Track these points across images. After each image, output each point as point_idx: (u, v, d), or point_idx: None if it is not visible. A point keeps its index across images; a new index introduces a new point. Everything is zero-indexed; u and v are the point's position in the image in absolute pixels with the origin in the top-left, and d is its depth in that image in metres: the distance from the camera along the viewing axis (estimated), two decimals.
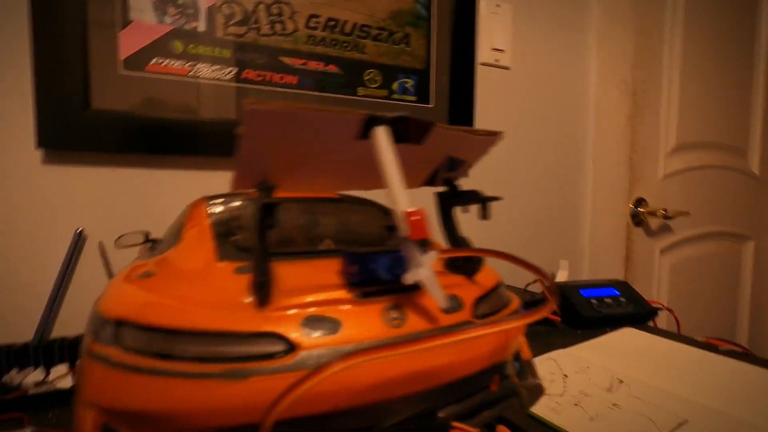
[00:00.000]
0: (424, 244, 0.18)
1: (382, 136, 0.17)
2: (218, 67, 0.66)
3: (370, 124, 0.17)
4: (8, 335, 0.56)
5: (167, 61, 0.63)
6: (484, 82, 0.90)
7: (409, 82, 0.81)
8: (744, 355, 0.64)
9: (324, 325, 0.17)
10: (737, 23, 1.31)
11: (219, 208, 0.27)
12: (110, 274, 0.63)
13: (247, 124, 0.15)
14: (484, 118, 0.89)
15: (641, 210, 1.13)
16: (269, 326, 0.17)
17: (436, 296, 0.18)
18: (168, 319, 0.17)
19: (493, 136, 0.20)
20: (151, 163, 0.65)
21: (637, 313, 0.78)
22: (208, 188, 0.69)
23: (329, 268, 0.21)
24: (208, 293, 0.19)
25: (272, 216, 0.16)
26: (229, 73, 0.67)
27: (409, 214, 0.16)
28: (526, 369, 0.25)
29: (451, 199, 0.22)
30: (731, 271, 1.38)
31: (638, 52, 1.08)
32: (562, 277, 0.92)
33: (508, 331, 0.22)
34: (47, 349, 0.57)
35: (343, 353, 0.17)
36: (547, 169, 1.00)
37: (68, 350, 0.58)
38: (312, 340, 0.17)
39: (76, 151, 0.61)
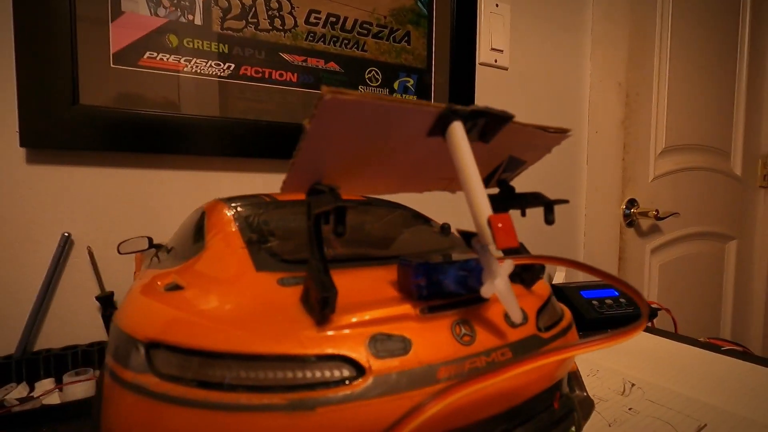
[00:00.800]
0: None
1: (459, 132, 0.15)
2: (215, 62, 0.63)
3: (446, 119, 0.15)
4: None
5: (161, 55, 0.60)
6: (482, 81, 0.89)
7: (410, 81, 0.79)
8: (745, 354, 0.65)
9: (393, 345, 0.15)
10: (722, 30, 1.34)
11: (242, 212, 0.25)
12: (100, 282, 0.59)
13: (319, 116, 0.13)
14: None
15: (633, 211, 1.15)
16: (334, 348, 0.15)
17: (511, 310, 0.16)
18: (214, 341, 0.15)
19: (561, 134, 0.19)
20: (143, 162, 0.62)
21: (637, 313, 0.78)
22: (204, 189, 0.65)
23: (380, 278, 0.19)
24: (254, 310, 0.16)
25: (343, 221, 0.14)
26: (226, 69, 0.64)
27: (495, 219, 0.14)
28: (573, 382, 0.24)
29: (507, 202, 0.21)
30: (716, 270, 1.41)
31: (632, 54, 1.10)
32: (559, 278, 0.92)
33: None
34: (31, 363, 0.53)
35: (416, 376, 0.15)
36: (542, 170, 0.99)
37: (54, 363, 0.54)
38: (382, 363, 0.15)
39: (63, 149, 0.57)
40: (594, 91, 1.06)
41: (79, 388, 0.49)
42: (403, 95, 0.79)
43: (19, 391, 0.52)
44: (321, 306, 0.15)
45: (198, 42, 0.62)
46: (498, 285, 0.15)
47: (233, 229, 0.23)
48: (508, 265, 0.16)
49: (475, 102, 0.87)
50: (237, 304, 0.17)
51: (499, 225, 0.14)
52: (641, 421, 0.44)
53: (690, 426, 0.43)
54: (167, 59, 0.61)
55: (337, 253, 0.22)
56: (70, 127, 0.56)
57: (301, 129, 0.14)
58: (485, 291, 0.16)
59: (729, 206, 1.41)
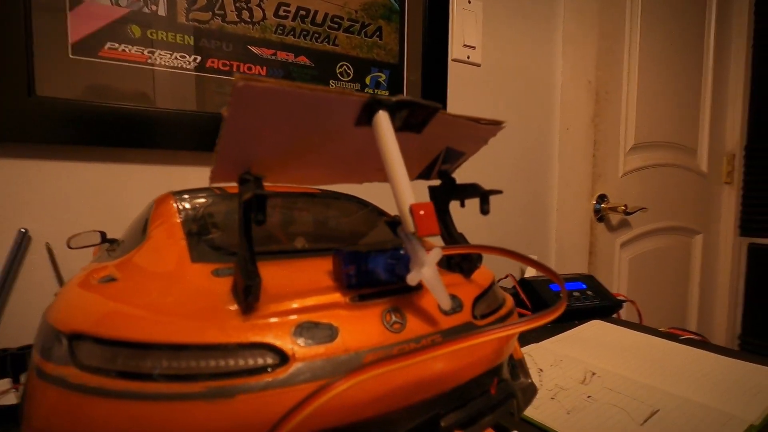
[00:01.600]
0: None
1: (384, 122, 0.15)
2: (180, 54, 0.62)
3: (371, 108, 0.15)
4: None
5: (123, 46, 0.59)
6: (455, 78, 0.90)
7: (382, 77, 0.79)
8: (702, 343, 0.68)
9: (319, 333, 0.15)
10: (689, 31, 1.38)
11: (188, 204, 0.25)
12: (60, 279, 0.58)
13: (235, 104, 0.13)
14: None
15: (603, 206, 1.17)
16: (257, 336, 0.15)
17: (439, 298, 0.16)
18: (137, 331, 0.14)
19: (495, 126, 0.19)
20: (104, 156, 0.60)
21: (603, 305, 0.81)
22: (166, 184, 0.64)
23: (317, 269, 0.19)
24: (183, 300, 0.16)
25: (263, 210, 0.14)
26: (192, 61, 0.63)
27: (416, 207, 0.15)
28: (518, 369, 0.24)
29: (447, 194, 0.21)
30: (682, 263, 1.46)
31: (601, 54, 1.12)
32: (530, 272, 0.94)
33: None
34: None
35: (341, 364, 0.15)
36: (515, 166, 1.01)
37: (11, 363, 0.53)
38: (307, 350, 0.15)
39: (18, 142, 0.55)
40: (565, 89, 1.08)
41: None
42: (375, 91, 0.79)
43: None
44: (245, 294, 0.15)
45: (162, 33, 0.61)
46: (425, 273, 0.16)
47: (176, 221, 0.23)
48: (435, 254, 0.16)
49: (448, 98, 0.88)
50: (166, 295, 0.17)
51: (421, 212, 0.15)
52: (598, 408, 0.46)
53: (643, 412, 0.45)
54: (130, 50, 0.59)
55: (281, 245, 0.22)
56: (27, 119, 0.54)
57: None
58: (411, 278, 0.16)
59: (695, 202, 1.46)
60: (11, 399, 0.48)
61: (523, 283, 0.80)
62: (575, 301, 0.79)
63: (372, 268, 0.17)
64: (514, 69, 0.99)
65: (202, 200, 0.26)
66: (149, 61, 0.60)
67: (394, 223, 0.18)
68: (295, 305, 0.16)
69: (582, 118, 1.10)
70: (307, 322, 0.15)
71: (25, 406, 0.16)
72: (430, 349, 0.14)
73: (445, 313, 0.18)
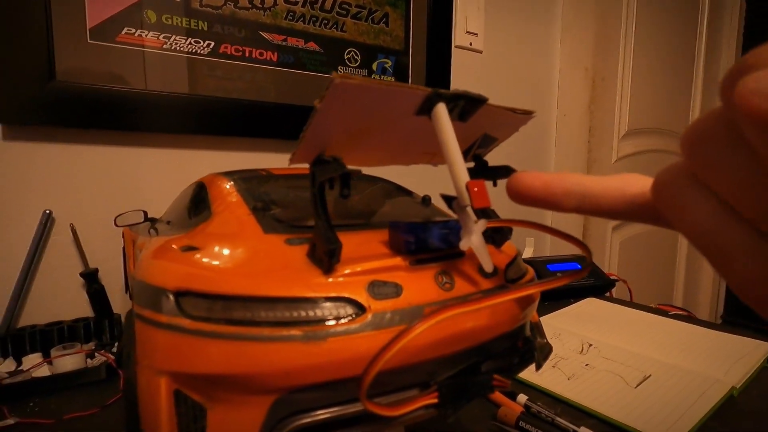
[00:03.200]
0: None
1: (442, 112, 0.18)
2: (195, 40, 0.63)
3: (432, 100, 0.18)
4: None
5: (140, 31, 0.60)
6: (458, 64, 0.92)
7: (388, 63, 0.81)
8: (688, 318, 0.73)
9: (387, 290, 0.18)
10: (683, 21, 1.41)
11: (243, 184, 0.27)
12: (83, 258, 0.60)
13: (329, 96, 0.15)
14: None
15: None
16: (338, 291, 0.18)
17: (484, 261, 0.19)
18: (240, 287, 0.17)
19: (527, 115, 0.22)
20: (122, 140, 0.62)
21: (597, 284, 0.85)
22: (182, 167, 0.66)
23: (374, 239, 0.22)
24: (268, 263, 0.19)
25: (348, 185, 0.17)
26: (206, 46, 0.64)
27: (472, 184, 0.18)
28: (535, 331, 0.28)
29: (480, 174, 0.24)
30: (670, 245, 1.52)
31: (599, 40, 1.15)
32: (528, 253, 0.98)
33: (534, 294, 0.24)
34: (17, 339, 0.54)
35: (406, 314, 0.18)
36: (513, 151, 1.04)
37: (40, 339, 0.55)
38: (379, 303, 0.18)
39: (40, 125, 0.56)
40: (563, 76, 1.11)
41: (68, 360, 0.51)
42: (381, 76, 0.81)
43: (7, 365, 0.53)
44: (328, 257, 0.17)
45: (177, 19, 0.62)
46: (473, 240, 0.19)
47: (236, 199, 0.25)
48: (481, 224, 0.19)
49: (451, 84, 0.90)
50: (251, 258, 0.19)
51: (475, 189, 0.18)
52: (595, 375, 0.50)
53: (636, 377, 0.49)
54: (146, 36, 0.60)
55: (340, 220, 0.25)
56: (47, 104, 0.55)
57: (295, 108, 0.16)
58: (463, 244, 0.19)
59: None
60: (44, 371, 0.51)
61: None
62: (571, 282, 0.84)
63: (427, 237, 0.20)
64: (514, 56, 1.02)
65: (253, 181, 0.28)
66: (165, 46, 0.62)
67: (449, 198, 0.21)
68: (366, 267, 0.19)
69: (579, 105, 1.13)
70: (376, 280, 0.18)
71: (138, 350, 0.19)
72: (483, 300, 0.17)
73: (485, 276, 0.22)
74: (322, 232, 0.18)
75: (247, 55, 0.68)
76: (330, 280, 0.18)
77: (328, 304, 0.17)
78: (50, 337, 0.57)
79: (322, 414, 0.17)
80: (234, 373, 0.17)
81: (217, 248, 0.20)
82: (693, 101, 1.50)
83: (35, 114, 0.55)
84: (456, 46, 0.91)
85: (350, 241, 0.21)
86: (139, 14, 0.60)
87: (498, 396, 0.44)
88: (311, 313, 0.17)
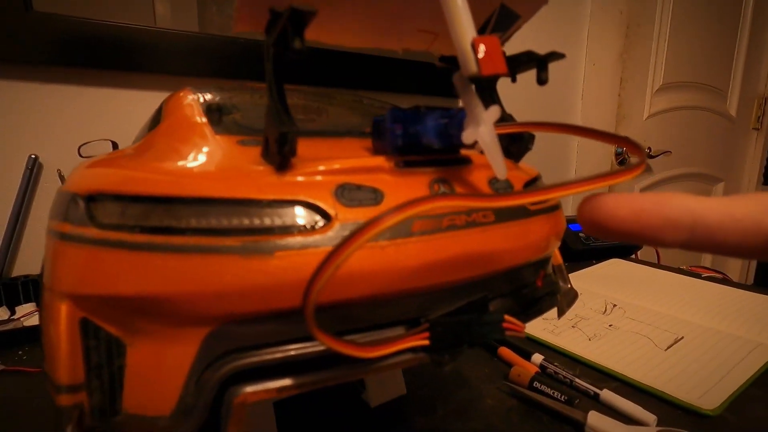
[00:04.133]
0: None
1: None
2: None
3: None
4: None
5: None
6: None
7: None
8: (723, 281, 0.66)
9: (362, 195, 0.14)
10: None
11: (207, 94, 0.22)
12: None
13: None
14: None
15: (625, 149, 1.13)
16: (295, 194, 0.13)
17: (495, 163, 0.14)
18: (164, 188, 0.13)
19: None
20: (112, 80, 0.57)
21: (621, 245, 0.79)
22: None
23: (356, 145, 0.17)
24: (209, 163, 0.15)
25: (300, 32, 0.12)
26: None
27: (479, 41, 0.12)
28: (558, 275, 0.23)
29: None
30: None
31: (630, 31, 1.03)
32: None
33: (559, 220, 0.19)
34: (10, 288, 0.52)
35: (391, 228, 0.13)
36: (535, 101, 0.96)
37: (33, 288, 0.54)
38: (350, 212, 0.13)
39: (20, 63, 0.52)
40: (594, 20, 1.00)
41: None
42: None
43: (1, 313, 0.51)
44: (279, 145, 0.13)
45: None
46: (482, 132, 0.14)
47: (189, 107, 0.20)
48: (494, 111, 0.14)
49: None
50: (190, 158, 0.15)
51: (483, 46, 0.12)
52: (620, 336, 0.46)
53: (666, 339, 0.44)
54: None
55: (305, 127, 0.20)
56: (26, 37, 0.51)
57: None
58: (467, 136, 0.14)
59: (719, 147, 1.40)
60: (36, 320, 0.49)
61: None
62: (594, 241, 0.78)
63: (420, 130, 0.15)
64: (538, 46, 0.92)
65: (219, 92, 0.24)
66: None
67: (451, 63, 0.16)
68: (335, 166, 0.14)
69: (610, 54, 1.03)
70: (348, 183, 0.14)
71: (44, 267, 0.15)
72: (494, 200, 0.12)
73: (497, 189, 0.17)
74: (273, 113, 0.13)
75: None
76: (284, 180, 0.13)
77: (279, 210, 0.13)
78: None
79: (271, 353, 0.13)
80: (149, 294, 0.12)
81: (151, 151, 0.16)
82: (737, 55, 1.36)
83: (13, 50, 0.51)
84: None
85: (324, 145, 0.16)
86: None
87: (509, 354, 0.40)
88: (255, 221, 0.13)
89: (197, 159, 0.15)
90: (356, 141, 0.17)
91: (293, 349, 0.13)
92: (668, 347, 0.43)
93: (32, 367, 0.41)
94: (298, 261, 0.12)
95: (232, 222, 0.13)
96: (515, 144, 0.19)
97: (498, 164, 0.15)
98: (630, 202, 0.12)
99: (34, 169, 0.54)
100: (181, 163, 0.15)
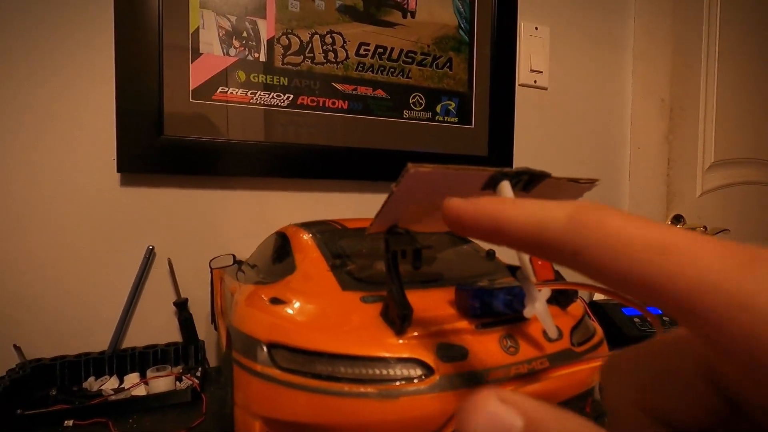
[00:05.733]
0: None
1: (506, 188, 0.20)
2: (276, 94, 0.71)
3: (496, 178, 0.20)
4: (85, 345, 0.61)
5: (231, 89, 0.68)
6: (522, 102, 0.92)
7: (452, 104, 0.84)
8: None
9: (454, 352, 0.20)
10: None
11: (322, 238, 0.30)
12: (177, 289, 0.67)
13: (404, 182, 0.18)
14: (522, 137, 0.91)
15: (679, 227, 1.12)
16: (410, 352, 0.20)
17: (548, 327, 0.20)
18: (325, 344, 0.20)
19: (590, 184, 0.23)
20: (212, 184, 0.70)
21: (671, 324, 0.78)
22: (262, 207, 0.73)
23: (443, 299, 0.24)
24: (348, 321, 0.21)
25: (420, 258, 0.19)
26: (286, 99, 0.72)
27: (535, 258, 0.19)
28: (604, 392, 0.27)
29: None
30: None
31: (675, 69, 1.09)
32: (600, 296, 0.93)
33: (605, 354, 0.24)
34: (120, 358, 0.62)
35: (472, 378, 0.19)
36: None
37: (139, 359, 0.63)
38: (446, 366, 0.19)
39: (149, 173, 0.66)
40: (636, 107, 1.06)
41: (161, 382, 0.57)
42: (445, 118, 0.84)
43: (112, 383, 0.60)
44: (401, 321, 0.19)
45: (262, 77, 0.70)
46: (537, 307, 0.20)
47: (316, 255, 0.28)
48: (545, 292, 0.20)
49: (516, 121, 0.90)
50: (333, 316, 0.22)
51: (539, 262, 0.19)
52: None
53: None
54: (236, 93, 0.69)
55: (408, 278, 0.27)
56: (156, 155, 0.64)
57: (386, 191, 0.19)
58: (527, 312, 0.20)
59: None
60: (141, 390, 0.58)
61: (594, 305, 0.79)
62: (650, 327, 0.77)
63: (492, 302, 0.21)
64: (581, 90, 1.00)
65: (329, 234, 0.31)
66: (252, 101, 0.69)
67: (513, 268, 0.22)
68: (434, 329, 0.20)
69: (654, 136, 1.07)
70: (444, 342, 0.20)
71: (235, 392, 0.22)
72: (550, 371, 0.18)
73: (550, 340, 0.22)
74: (396, 297, 0.20)
75: (320, 105, 0.74)
76: (401, 341, 0.20)
77: (400, 365, 0.19)
78: (147, 358, 0.64)
79: None
80: (317, 423, 0.19)
81: (301, 304, 0.23)
82: None
83: (145, 164, 0.64)
84: (520, 85, 0.92)
85: (419, 301, 0.23)
86: (231, 75, 0.68)
87: None
88: (385, 372, 0.19)
89: (339, 317, 0.22)
90: (443, 293, 0.24)
91: None
92: None
93: None
94: (414, 404, 0.19)
95: (369, 373, 0.19)
96: (563, 296, 0.24)
97: (549, 328, 0.20)
98: (459, 205, 0.13)
99: (149, 258, 0.66)
100: (327, 320, 0.22)
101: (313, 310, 0.23)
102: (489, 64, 0.86)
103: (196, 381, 0.56)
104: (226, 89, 0.68)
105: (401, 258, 0.20)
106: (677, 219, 1.13)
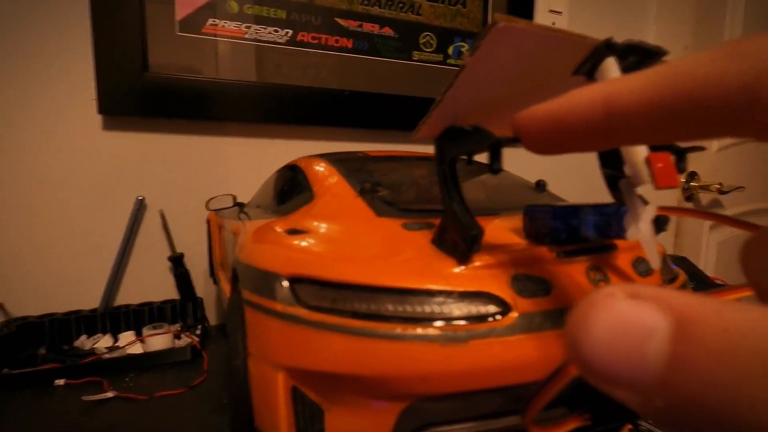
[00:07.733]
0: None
1: (612, 69, 0.14)
2: (274, 29, 0.64)
3: (599, 54, 0.14)
4: (75, 302, 0.57)
5: (223, 22, 0.61)
6: None
7: (465, 46, 0.77)
8: None
9: (534, 286, 0.15)
10: None
11: (343, 166, 0.25)
12: (170, 242, 0.63)
13: (485, 48, 0.13)
14: None
15: (693, 184, 1.08)
16: (479, 285, 0.15)
17: (651, 255, 0.16)
18: (363, 276, 0.15)
19: None
20: (205, 129, 0.63)
21: (699, 289, 0.75)
22: (264, 156, 0.67)
23: (506, 226, 0.19)
24: (391, 249, 0.17)
25: (498, 157, 0.14)
26: (284, 35, 0.64)
27: (655, 158, 0.14)
28: None
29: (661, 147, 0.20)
30: None
31: (700, 16, 1.02)
32: None
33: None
34: (113, 316, 0.57)
35: (558, 318, 0.15)
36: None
37: (134, 318, 0.59)
38: (526, 302, 0.15)
39: (134, 116, 0.59)
40: (658, 39, 0.99)
41: (158, 340, 0.53)
42: (457, 61, 0.77)
43: (105, 341, 0.56)
44: (467, 245, 0.15)
45: (257, 8, 0.62)
46: (642, 229, 0.15)
47: (337, 179, 0.23)
48: (651, 209, 0.15)
49: None
50: (370, 244, 0.17)
51: (659, 165, 0.14)
52: None
53: None
54: (228, 26, 0.61)
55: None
56: (141, 94, 0.58)
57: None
58: (631, 234, 0.15)
59: None
60: (137, 349, 0.54)
61: None
62: (668, 283, 0.75)
63: (579, 225, 0.16)
64: (602, 33, 0.92)
65: (351, 162, 0.26)
66: (246, 35, 0.62)
67: (612, 175, 0.17)
68: (507, 257, 0.16)
69: None
70: (521, 274, 0.15)
71: (249, 338, 0.18)
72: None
73: (640, 273, 0.18)
74: (460, 216, 0.15)
75: (323, 42, 0.67)
76: (466, 271, 0.15)
77: (467, 300, 0.15)
78: (142, 316, 0.60)
79: (460, 429, 0.15)
80: (360, 374, 0.14)
81: (326, 231, 0.18)
82: None
83: (130, 105, 0.58)
84: None
85: (491, 227, 0.18)
86: (222, 5, 0.60)
87: None
88: (447, 310, 0.14)
89: (377, 243, 0.17)
90: (504, 221, 0.19)
91: (479, 427, 0.15)
92: None
93: (141, 394, 0.44)
94: (489, 349, 0.14)
95: (427, 311, 0.14)
96: (654, 224, 0.20)
97: (653, 256, 0.16)
98: (545, 105, 0.10)
99: (139, 210, 0.61)
100: (363, 249, 0.17)
101: (343, 237, 0.18)
102: (506, 2, 0.79)
103: (196, 339, 0.53)
104: (217, 22, 0.60)
105: (466, 165, 0.15)
106: (692, 175, 1.08)
